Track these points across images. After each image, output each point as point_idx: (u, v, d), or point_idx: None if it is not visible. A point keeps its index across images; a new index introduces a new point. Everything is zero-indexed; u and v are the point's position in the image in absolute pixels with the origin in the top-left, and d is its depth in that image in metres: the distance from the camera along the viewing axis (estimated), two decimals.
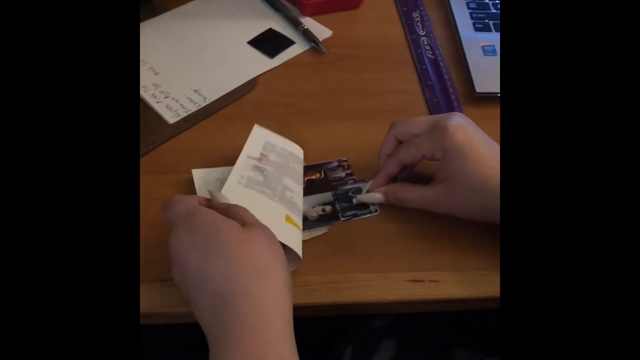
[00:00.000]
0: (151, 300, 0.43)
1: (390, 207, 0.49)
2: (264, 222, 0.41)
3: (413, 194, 0.47)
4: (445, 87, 0.60)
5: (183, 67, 0.60)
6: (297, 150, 0.52)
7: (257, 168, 0.48)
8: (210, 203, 0.43)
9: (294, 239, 0.44)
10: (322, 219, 0.48)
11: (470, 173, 0.43)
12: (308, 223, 0.48)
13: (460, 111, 0.58)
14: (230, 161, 0.52)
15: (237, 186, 0.46)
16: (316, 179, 0.51)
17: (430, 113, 0.58)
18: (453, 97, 0.59)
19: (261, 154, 0.49)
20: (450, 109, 0.58)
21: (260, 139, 0.50)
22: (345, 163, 0.52)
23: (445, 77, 0.61)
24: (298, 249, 0.43)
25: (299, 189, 0.49)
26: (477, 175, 0.43)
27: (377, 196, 0.49)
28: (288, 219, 0.45)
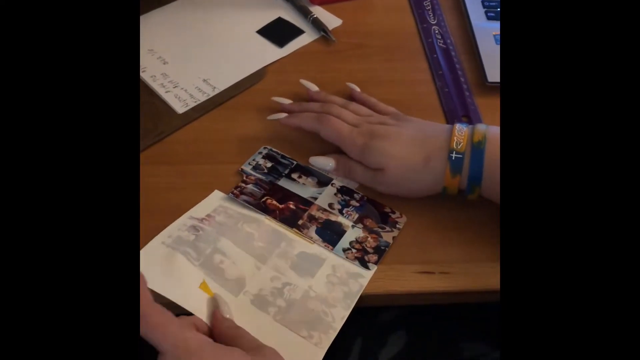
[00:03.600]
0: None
1: (400, 199, 0.49)
2: (175, 287, 0.39)
3: (360, 169, 0.49)
4: (457, 77, 0.59)
5: (192, 56, 0.60)
6: (259, 216, 0.47)
7: (193, 228, 0.44)
8: (214, 321, 0.39)
9: (201, 307, 0.40)
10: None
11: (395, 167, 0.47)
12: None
13: (472, 101, 0.57)
14: (240, 152, 0.52)
15: (158, 246, 0.42)
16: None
17: (441, 102, 0.57)
18: (464, 86, 0.58)
19: (207, 215, 0.46)
20: (462, 98, 0.57)
21: (214, 202, 0.47)
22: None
23: (457, 66, 0.60)
24: (203, 316, 0.40)
25: (239, 252, 0.44)
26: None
27: (329, 164, 0.50)
28: (203, 285, 0.41)
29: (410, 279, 0.45)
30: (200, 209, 0.46)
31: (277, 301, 0.42)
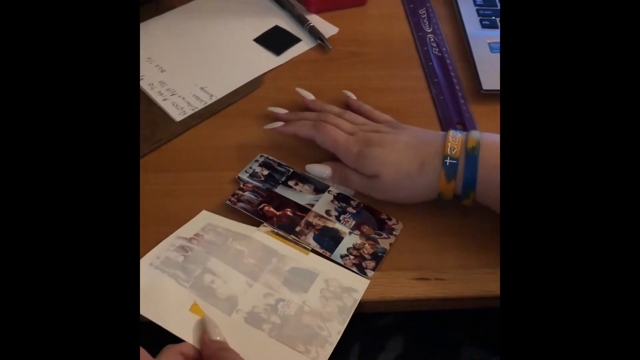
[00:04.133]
0: None
1: (395, 206, 0.49)
2: (164, 312, 0.39)
3: (356, 176, 0.49)
4: (452, 84, 0.59)
5: (189, 64, 0.60)
6: (249, 230, 0.46)
7: (181, 248, 0.44)
8: (201, 345, 0.39)
9: (191, 331, 0.40)
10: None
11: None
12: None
13: (467, 108, 0.57)
14: (237, 159, 0.52)
15: (146, 268, 0.42)
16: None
17: (437, 110, 0.57)
18: (459, 94, 0.59)
19: (195, 234, 0.45)
20: (457, 106, 0.57)
21: (202, 222, 0.47)
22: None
23: (452, 74, 0.60)
24: (191, 340, 0.39)
25: (229, 270, 0.43)
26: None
27: (325, 171, 0.50)
28: (194, 307, 0.41)
29: (406, 285, 0.45)
30: (188, 229, 0.46)
31: (272, 318, 0.41)
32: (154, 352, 0.37)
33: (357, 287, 0.44)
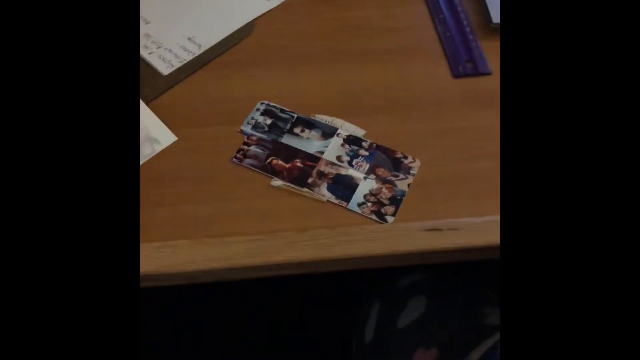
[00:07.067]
0: (150, 262, 0.41)
1: (407, 145, 0.46)
2: None
3: None
4: (459, 20, 0.55)
5: (175, 14, 0.56)
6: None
7: None
8: None
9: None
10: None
11: None
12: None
13: (477, 44, 0.53)
14: (235, 111, 0.49)
15: None
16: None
17: (444, 48, 0.53)
18: (468, 29, 0.54)
19: None
20: (465, 42, 0.53)
21: None
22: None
23: (459, 8, 0.56)
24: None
25: None
26: None
27: None
28: None
29: (418, 237, 0.42)
30: None
31: None
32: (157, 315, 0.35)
33: (162, 140, 0.45)
